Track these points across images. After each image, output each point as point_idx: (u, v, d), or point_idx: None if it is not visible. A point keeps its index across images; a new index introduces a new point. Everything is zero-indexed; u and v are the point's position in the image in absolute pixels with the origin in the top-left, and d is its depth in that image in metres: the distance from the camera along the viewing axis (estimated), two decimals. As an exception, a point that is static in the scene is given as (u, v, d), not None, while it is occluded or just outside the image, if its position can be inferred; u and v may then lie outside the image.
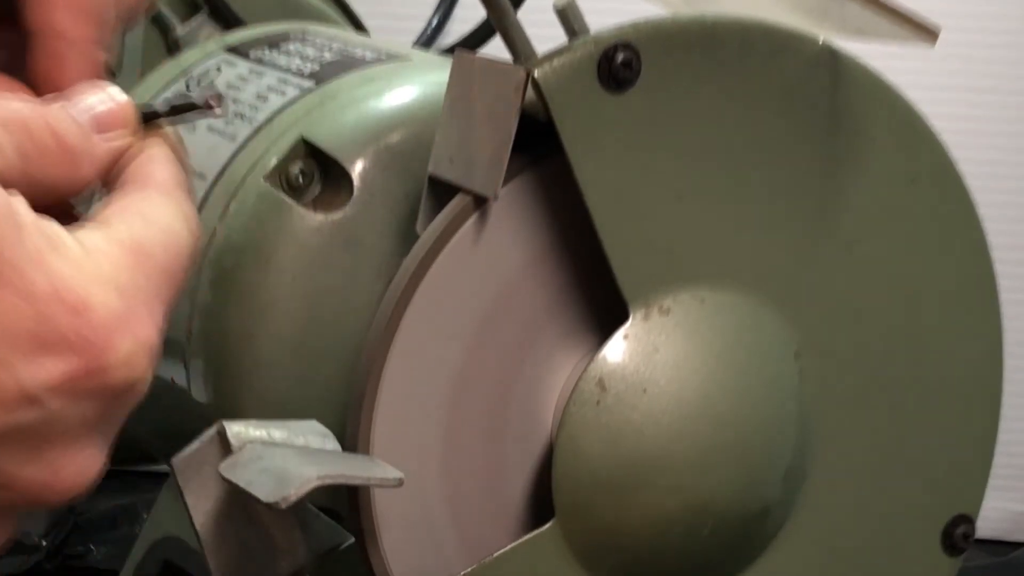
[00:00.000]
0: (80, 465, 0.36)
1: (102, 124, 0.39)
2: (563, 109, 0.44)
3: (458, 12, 0.83)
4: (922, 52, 0.50)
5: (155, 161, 0.40)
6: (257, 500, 0.40)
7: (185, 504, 0.43)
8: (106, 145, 0.39)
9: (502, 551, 0.46)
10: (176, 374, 0.53)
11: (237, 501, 0.43)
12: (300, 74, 0.56)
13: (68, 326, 0.34)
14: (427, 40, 0.83)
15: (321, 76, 0.56)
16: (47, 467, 0.36)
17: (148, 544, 0.54)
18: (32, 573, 0.81)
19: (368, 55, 0.57)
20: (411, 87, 0.53)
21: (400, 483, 0.42)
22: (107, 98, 0.40)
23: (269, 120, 0.54)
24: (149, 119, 0.41)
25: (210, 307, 0.51)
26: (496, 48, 0.49)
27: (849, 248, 0.49)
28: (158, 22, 0.69)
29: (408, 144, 0.51)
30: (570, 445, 0.46)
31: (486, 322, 0.46)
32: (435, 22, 0.83)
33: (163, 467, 0.51)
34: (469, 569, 0.46)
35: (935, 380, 0.52)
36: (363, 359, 0.45)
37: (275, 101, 0.55)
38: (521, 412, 0.47)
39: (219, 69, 0.60)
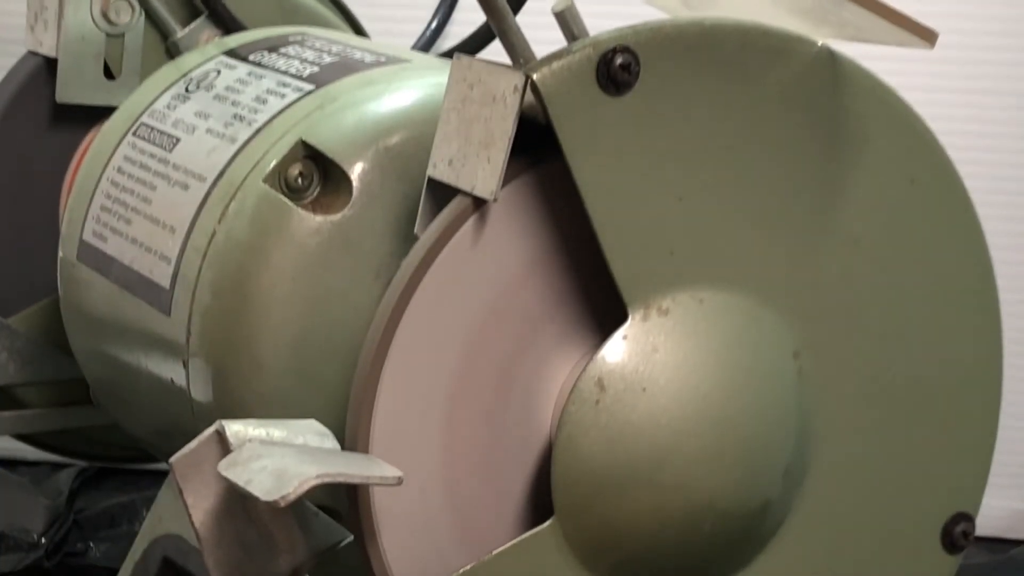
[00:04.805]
0: None
1: None
2: (562, 112, 0.44)
3: (457, 15, 0.83)
4: (920, 54, 0.50)
5: None
6: (256, 499, 0.40)
7: (184, 503, 0.44)
8: None
9: (501, 549, 0.46)
10: (175, 374, 0.53)
11: (236, 500, 0.44)
12: (299, 77, 0.57)
13: None
14: (426, 43, 0.83)
15: (320, 79, 0.56)
16: None
17: (147, 542, 0.54)
18: (31, 571, 0.81)
19: (367, 58, 0.58)
20: (410, 90, 0.53)
21: (399, 482, 0.42)
22: None
23: (268, 122, 0.54)
24: None
25: (209, 308, 0.51)
26: (495, 52, 0.49)
27: (848, 248, 0.50)
28: (158, 26, 0.70)
29: (407, 146, 0.51)
30: (569, 444, 0.46)
31: (485, 323, 0.46)
32: (434, 25, 0.83)
33: (163, 465, 0.51)
34: (468, 567, 0.46)
35: (934, 378, 0.52)
36: (362, 359, 0.45)
37: (274, 104, 0.55)
38: (520, 411, 0.47)
39: (218, 72, 0.60)
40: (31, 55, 0.70)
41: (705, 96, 0.46)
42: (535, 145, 0.45)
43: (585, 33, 0.45)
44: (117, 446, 0.75)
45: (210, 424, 0.44)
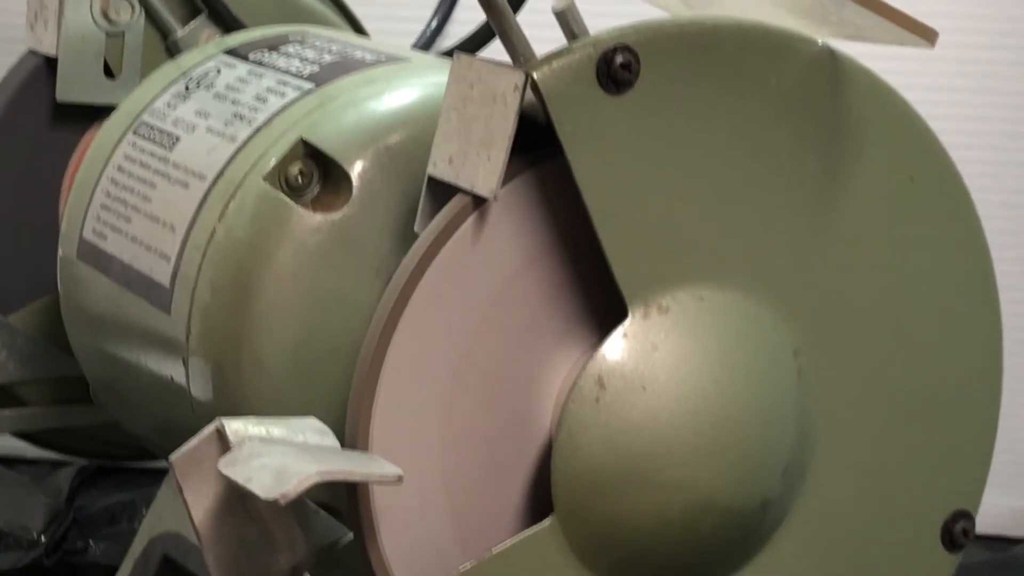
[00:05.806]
0: None
1: None
2: (562, 111, 0.44)
3: (457, 14, 0.83)
4: (920, 53, 0.50)
5: None
6: (256, 497, 0.40)
7: (184, 501, 0.44)
8: None
9: (501, 547, 0.46)
10: (175, 372, 0.53)
11: (236, 498, 0.44)
12: (299, 76, 0.57)
13: None
14: (426, 42, 0.83)
15: (320, 78, 0.56)
16: None
17: (147, 540, 0.54)
18: (31, 569, 0.81)
19: (368, 57, 0.58)
20: (410, 88, 0.53)
21: (399, 480, 0.42)
22: None
23: (268, 121, 0.54)
24: None
25: (209, 306, 0.51)
26: (496, 51, 0.49)
27: (848, 247, 0.50)
28: (158, 24, 0.70)
29: (407, 145, 0.51)
30: (569, 442, 0.46)
31: (484, 321, 0.46)
32: (434, 24, 0.83)
33: (163, 463, 0.51)
34: (468, 565, 0.46)
35: (934, 377, 0.52)
36: (362, 357, 0.45)
37: (274, 102, 0.55)
38: (520, 410, 0.47)
39: (218, 71, 0.60)
40: (31, 54, 0.70)
41: (705, 95, 0.46)
42: (535, 144, 0.45)
43: (585, 32, 0.45)
44: (117, 444, 0.75)
45: (210, 422, 0.44)
